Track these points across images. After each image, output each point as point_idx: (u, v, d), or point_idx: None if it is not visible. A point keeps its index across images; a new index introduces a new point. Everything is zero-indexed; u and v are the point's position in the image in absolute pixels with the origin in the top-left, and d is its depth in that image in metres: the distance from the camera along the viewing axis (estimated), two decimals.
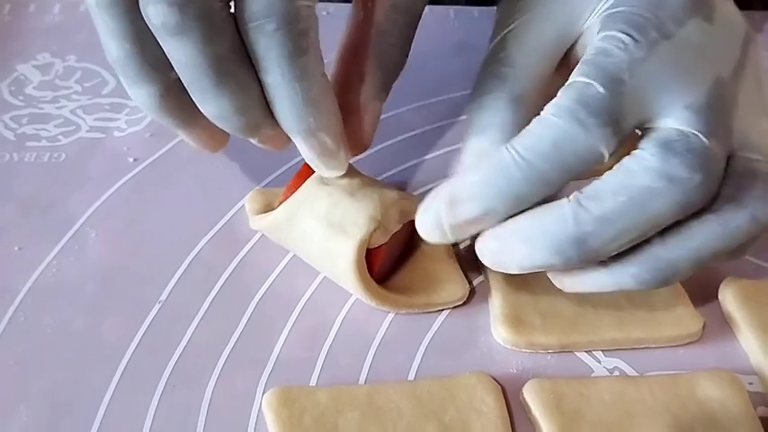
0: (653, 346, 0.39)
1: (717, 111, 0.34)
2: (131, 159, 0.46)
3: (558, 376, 0.37)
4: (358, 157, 0.40)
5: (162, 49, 0.34)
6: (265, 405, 0.35)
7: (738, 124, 0.35)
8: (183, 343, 0.38)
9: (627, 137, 0.34)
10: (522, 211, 0.34)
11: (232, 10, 0.34)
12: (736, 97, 0.36)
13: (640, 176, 0.33)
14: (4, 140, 0.46)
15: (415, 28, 0.41)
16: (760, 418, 0.35)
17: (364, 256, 0.37)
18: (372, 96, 0.39)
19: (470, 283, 0.41)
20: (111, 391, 0.36)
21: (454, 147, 0.48)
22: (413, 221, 0.39)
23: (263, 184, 0.45)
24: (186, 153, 0.45)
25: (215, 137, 0.38)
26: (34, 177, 0.44)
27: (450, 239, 0.36)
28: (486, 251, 0.36)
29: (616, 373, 0.38)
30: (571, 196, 0.34)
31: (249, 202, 0.42)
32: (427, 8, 0.57)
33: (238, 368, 0.37)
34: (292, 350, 0.38)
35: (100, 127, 0.47)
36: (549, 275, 0.37)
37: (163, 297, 0.39)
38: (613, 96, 0.33)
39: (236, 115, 0.35)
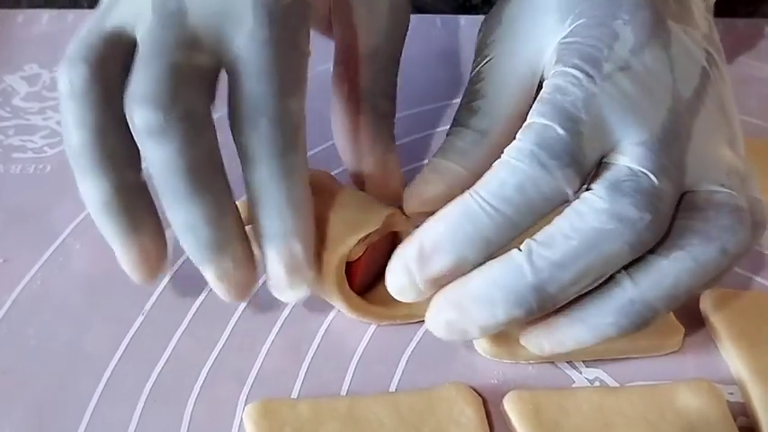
0: (634, 356, 0.39)
1: (668, 145, 0.34)
2: None
3: (540, 387, 0.37)
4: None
5: (122, 145, 0.35)
6: (246, 418, 0.35)
7: (693, 155, 0.35)
8: (166, 355, 0.38)
9: (590, 172, 0.34)
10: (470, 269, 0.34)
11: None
12: (691, 126, 0.35)
13: (590, 218, 0.33)
14: None
15: (398, 65, 0.42)
16: (739, 428, 0.36)
17: (344, 269, 0.38)
18: (384, 151, 0.41)
19: None
20: (94, 403, 0.36)
21: None
22: (394, 233, 0.39)
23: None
24: None
25: (150, 259, 0.36)
26: (20, 189, 0.44)
27: (426, 295, 0.35)
28: (441, 322, 0.35)
29: (597, 383, 0.38)
30: (522, 245, 0.33)
31: None
32: (414, 17, 0.57)
33: (220, 380, 0.37)
34: (274, 362, 0.38)
35: None
36: (526, 342, 0.36)
37: (146, 308, 0.39)
38: (572, 136, 0.33)
39: (206, 226, 0.34)
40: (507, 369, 0.38)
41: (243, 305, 0.40)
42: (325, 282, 0.38)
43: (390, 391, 0.37)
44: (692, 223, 0.34)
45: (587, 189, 0.33)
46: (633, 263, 0.34)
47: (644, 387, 0.37)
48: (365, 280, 0.39)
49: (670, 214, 0.34)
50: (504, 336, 0.38)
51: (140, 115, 0.33)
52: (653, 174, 0.33)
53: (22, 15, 0.55)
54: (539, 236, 0.33)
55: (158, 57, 0.34)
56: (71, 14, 0.56)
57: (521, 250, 0.33)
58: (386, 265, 0.41)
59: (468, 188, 0.34)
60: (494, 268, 0.33)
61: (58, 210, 0.43)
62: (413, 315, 0.39)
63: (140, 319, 0.39)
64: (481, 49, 0.40)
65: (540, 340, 0.36)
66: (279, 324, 0.39)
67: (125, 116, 0.34)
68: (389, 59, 0.42)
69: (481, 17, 0.57)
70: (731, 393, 0.38)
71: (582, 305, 0.34)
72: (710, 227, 0.34)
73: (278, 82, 0.34)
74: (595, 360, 0.39)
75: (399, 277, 0.35)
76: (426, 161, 0.40)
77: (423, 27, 0.57)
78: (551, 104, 0.34)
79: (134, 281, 0.36)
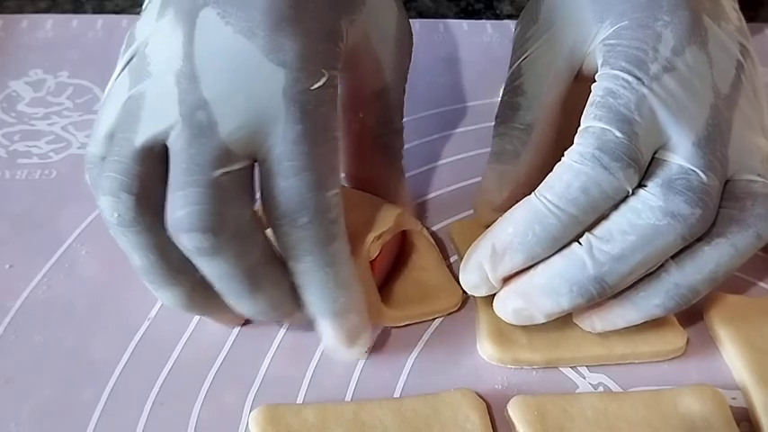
0: (637, 361, 0.39)
1: (713, 141, 0.36)
2: None
3: (543, 392, 0.37)
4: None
5: (182, 255, 0.34)
6: (252, 423, 0.35)
7: (734, 147, 0.37)
8: (172, 360, 0.38)
9: (644, 170, 0.36)
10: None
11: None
12: (731, 119, 0.37)
13: (646, 215, 0.35)
14: None
15: (404, 95, 0.43)
16: None
17: (369, 266, 0.38)
18: (397, 183, 0.43)
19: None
20: (100, 409, 0.36)
21: (444, 160, 0.48)
22: (403, 233, 0.40)
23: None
24: None
25: (237, 320, 0.39)
26: (25, 195, 0.45)
27: (498, 289, 0.37)
28: (508, 310, 0.37)
29: (601, 388, 0.38)
30: (582, 240, 0.36)
31: None
32: (416, 21, 0.58)
33: (226, 385, 0.37)
34: (279, 368, 0.38)
35: None
36: (579, 321, 0.38)
37: (152, 314, 0.40)
38: (630, 138, 0.35)
39: (271, 311, 0.36)
40: (511, 374, 0.38)
41: None
42: None
43: (395, 396, 0.37)
44: (732, 212, 0.37)
45: (641, 186, 0.36)
46: (680, 250, 0.36)
47: (648, 392, 0.37)
48: (380, 279, 0.40)
49: (717, 205, 0.36)
50: (508, 341, 0.38)
51: (189, 240, 0.33)
52: (701, 171, 0.35)
53: (26, 21, 0.55)
54: (598, 231, 0.36)
55: (196, 176, 0.33)
56: (75, 20, 0.56)
57: (581, 245, 0.36)
58: (395, 266, 0.41)
59: (525, 183, 0.38)
60: (557, 262, 0.36)
61: (63, 215, 0.44)
62: (428, 312, 0.40)
63: (146, 324, 0.39)
64: (518, 47, 0.42)
65: (592, 320, 0.38)
66: (284, 329, 0.39)
67: None
68: (399, 95, 0.42)
69: (483, 22, 0.58)
70: (734, 398, 0.38)
71: (633, 289, 0.37)
72: (747, 215, 0.37)
73: (316, 176, 0.34)
74: (599, 365, 0.39)
75: (474, 275, 0.37)
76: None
77: (425, 32, 0.57)
78: (606, 108, 0.36)
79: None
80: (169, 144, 0.34)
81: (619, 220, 0.35)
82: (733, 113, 0.37)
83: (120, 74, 0.36)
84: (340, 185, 0.35)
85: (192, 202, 0.33)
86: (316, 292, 0.36)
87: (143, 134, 0.34)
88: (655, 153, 0.36)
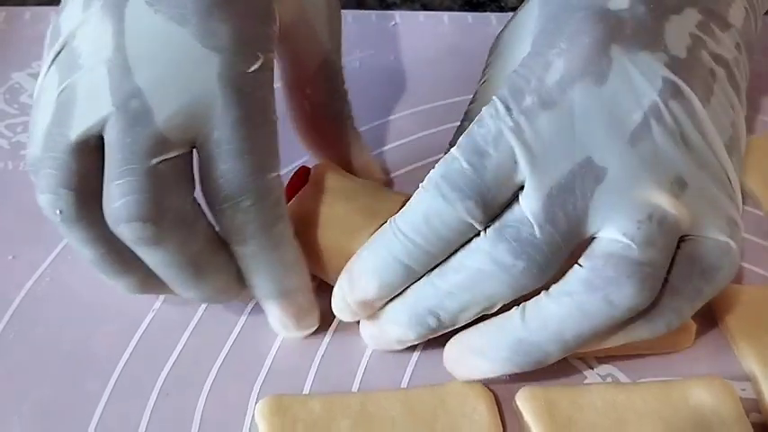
0: (646, 352, 0.39)
1: (572, 194, 0.33)
2: None
3: (551, 383, 0.37)
4: None
5: None
6: (258, 414, 0.35)
7: (602, 201, 0.33)
8: (177, 352, 0.38)
9: (499, 207, 0.33)
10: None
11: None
12: (605, 171, 0.33)
13: (475, 258, 0.34)
14: None
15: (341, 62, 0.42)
16: (752, 424, 0.35)
17: None
18: (361, 150, 0.43)
19: None
20: (104, 400, 0.36)
21: None
22: None
23: None
24: None
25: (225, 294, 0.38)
26: (29, 186, 0.44)
27: (362, 316, 0.37)
28: (366, 335, 0.38)
29: (609, 379, 0.38)
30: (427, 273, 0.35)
31: None
32: (421, 14, 0.58)
33: (231, 377, 0.37)
34: (285, 359, 0.38)
35: None
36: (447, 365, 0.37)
37: (156, 306, 0.39)
38: (476, 170, 0.33)
39: (217, 296, 0.37)
40: None
41: (253, 301, 0.40)
42: None
43: (401, 387, 0.37)
44: (581, 271, 0.33)
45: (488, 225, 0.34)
46: (531, 295, 0.34)
47: (657, 383, 0.37)
48: None
49: (554, 262, 0.33)
50: None
51: (130, 230, 0.33)
52: (538, 224, 0.33)
53: (29, 13, 0.55)
54: (440, 266, 0.35)
55: (132, 165, 0.32)
56: None
57: (426, 275, 0.35)
58: None
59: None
60: (403, 293, 0.36)
61: None
62: None
63: (150, 316, 0.39)
64: (483, 71, 0.41)
65: (453, 366, 0.37)
66: None
67: None
68: (338, 61, 0.42)
69: (488, 14, 0.58)
70: (743, 390, 0.38)
71: (483, 335, 0.36)
72: (595, 276, 0.33)
73: (256, 159, 0.34)
74: (607, 356, 0.38)
75: (336, 299, 0.37)
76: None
77: (430, 24, 0.57)
78: (467, 135, 0.34)
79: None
80: (105, 135, 0.33)
81: (456, 258, 0.34)
82: (614, 163, 0.33)
83: (48, 69, 0.35)
84: (279, 168, 0.35)
85: (130, 192, 0.32)
86: (262, 275, 0.36)
87: (77, 128, 0.33)
88: (511, 193, 0.33)
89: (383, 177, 0.45)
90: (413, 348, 0.38)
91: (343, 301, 0.36)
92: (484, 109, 0.34)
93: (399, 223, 0.34)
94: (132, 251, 0.34)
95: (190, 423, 0.35)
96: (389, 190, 0.40)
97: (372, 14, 0.57)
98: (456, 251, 0.34)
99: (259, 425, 0.34)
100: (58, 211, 0.33)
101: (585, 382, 0.38)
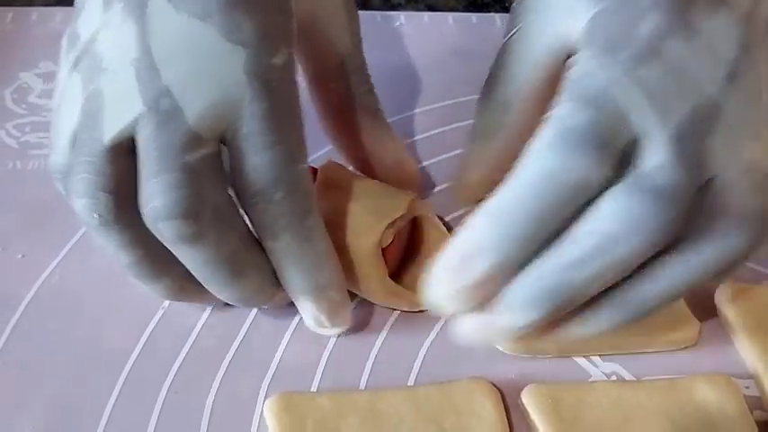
0: (650, 350, 0.39)
1: (692, 140, 0.32)
2: None
3: (557, 381, 0.37)
4: None
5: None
6: (267, 411, 0.35)
7: (715, 150, 0.33)
8: (186, 349, 0.38)
9: (618, 159, 0.32)
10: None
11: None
12: (715, 121, 0.33)
13: (606, 218, 0.31)
14: (8, 149, 0.47)
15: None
16: (756, 421, 0.36)
17: (380, 255, 0.38)
18: (390, 141, 0.43)
19: None
20: (114, 398, 0.36)
21: (454, 152, 0.48)
22: (415, 219, 0.40)
23: None
24: None
25: (255, 298, 0.38)
26: (37, 185, 0.45)
27: (470, 305, 0.33)
28: (465, 329, 0.34)
29: (614, 377, 0.38)
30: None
31: None
32: (426, 14, 0.58)
33: (240, 374, 0.37)
34: (294, 355, 0.38)
35: None
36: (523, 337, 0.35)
37: (165, 303, 0.40)
38: (593, 124, 0.32)
39: (254, 296, 0.37)
40: (525, 364, 0.38)
41: None
42: (357, 270, 0.38)
43: (409, 384, 0.37)
44: (701, 221, 0.32)
45: (610, 183, 0.32)
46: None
47: (662, 381, 0.37)
48: (393, 267, 0.40)
49: (685, 210, 0.32)
50: None
51: (170, 228, 0.33)
52: (668, 171, 0.31)
53: (36, 13, 0.55)
54: (564, 235, 0.32)
55: (169, 161, 0.33)
56: None
57: (547, 248, 0.32)
58: (408, 252, 0.41)
59: (507, 159, 0.34)
60: (521, 272, 0.32)
61: None
62: None
63: (160, 313, 0.39)
64: (510, 20, 0.40)
65: (559, 331, 0.35)
66: (298, 317, 0.39)
67: None
68: (360, 55, 0.42)
69: (492, 15, 0.58)
70: (747, 387, 0.38)
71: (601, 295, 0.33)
72: (717, 225, 0.32)
73: (287, 150, 0.34)
74: (612, 354, 0.39)
75: (438, 291, 0.33)
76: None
77: (435, 25, 0.57)
78: (574, 91, 0.33)
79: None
80: (137, 136, 0.33)
81: (583, 223, 0.32)
82: (719, 113, 0.33)
83: (69, 76, 0.35)
84: (307, 159, 0.35)
85: (168, 189, 0.32)
86: (295, 269, 0.36)
87: (109, 131, 0.33)
88: (628, 146, 0.32)
89: (415, 169, 0.44)
90: (419, 346, 0.39)
91: (448, 289, 0.33)
92: (580, 64, 0.33)
93: (518, 190, 0.32)
94: (169, 254, 0.34)
95: (199, 420, 0.35)
96: (397, 189, 0.41)
97: (377, 15, 0.57)
98: (578, 217, 0.32)
99: (268, 422, 0.35)
100: (96, 215, 0.33)
101: (590, 380, 0.38)
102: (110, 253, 0.35)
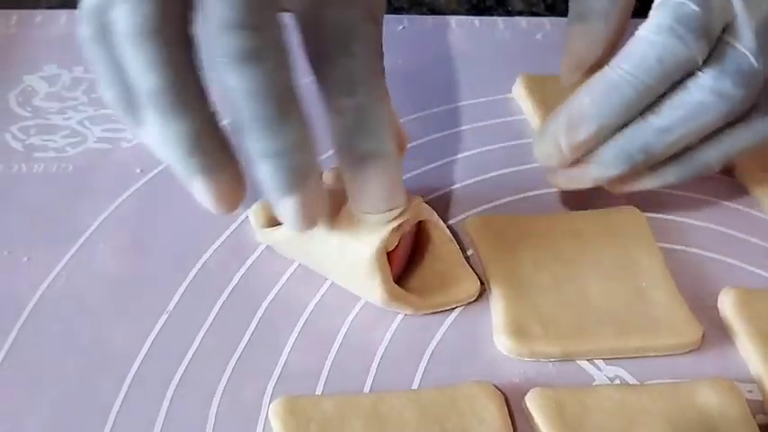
0: (653, 354, 0.39)
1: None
2: (138, 170, 0.46)
3: (560, 385, 0.37)
4: None
5: (200, 81, 0.33)
6: (272, 414, 0.35)
7: None
8: (191, 353, 0.38)
9: (714, 44, 0.39)
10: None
11: None
12: None
13: (696, 92, 0.39)
14: (13, 151, 0.47)
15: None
16: (758, 425, 0.36)
17: (386, 258, 0.38)
18: None
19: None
20: (119, 401, 0.36)
21: (457, 156, 0.49)
22: (420, 222, 0.40)
23: None
24: None
25: (235, 190, 0.35)
26: (42, 188, 0.45)
27: (570, 160, 0.42)
28: (558, 179, 0.43)
29: (617, 381, 0.38)
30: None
31: (253, 215, 0.42)
32: (428, 17, 0.58)
33: (245, 378, 0.37)
34: (298, 359, 0.38)
35: (107, 138, 0.48)
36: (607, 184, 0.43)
37: (170, 307, 0.40)
38: (705, 12, 0.39)
39: (297, 152, 0.33)
40: (528, 367, 0.38)
41: (266, 302, 0.40)
42: (362, 274, 0.38)
43: (413, 388, 0.37)
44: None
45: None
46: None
47: (665, 385, 0.37)
48: (399, 270, 0.40)
49: (759, 90, 0.40)
50: (524, 334, 0.39)
51: (231, 41, 0.31)
52: (753, 56, 0.39)
53: (40, 16, 0.56)
54: (657, 105, 0.40)
55: None
56: None
57: (640, 116, 0.40)
58: (412, 256, 0.41)
59: (609, 48, 0.44)
60: (616, 134, 0.41)
61: (80, 209, 0.44)
62: (447, 302, 0.40)
63: (164, 317, 0.39)
64: None
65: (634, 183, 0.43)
66: (302, 321, 0.39)
67: (195, 49, 0.32)
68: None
69: (495, 18, 0.58)
70: (750, 391, 0.38)
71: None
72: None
73: (363, 5, 0.35)
74: (615, 358, 0.39)
75: (547, 144, 0.42)
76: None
77: (437, 28, 0.57)
78: None
79: (216, 213, 0.35)
80: None
81: (675, 96, 0.40)
82: None
83: None
84: (383, 20, 0.36)
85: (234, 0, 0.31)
86: (367, 131, 0.35)
87: None
88: (719, 33, 0.39)
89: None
90: (423, 350, 0.39)
91: (555, 147, 0.41)
92: None
93: (628, 68, 0.39)
94: (199, 90, 0.33)
95: (204, 424, 0.36)
96: None
97: None
98: (670, 91, 0.40)
99: (273, 425, 0.35)
100: (139, 20, 0.31)
101: (594, 383, 0.38)
102: (140, 72, 0.32)
